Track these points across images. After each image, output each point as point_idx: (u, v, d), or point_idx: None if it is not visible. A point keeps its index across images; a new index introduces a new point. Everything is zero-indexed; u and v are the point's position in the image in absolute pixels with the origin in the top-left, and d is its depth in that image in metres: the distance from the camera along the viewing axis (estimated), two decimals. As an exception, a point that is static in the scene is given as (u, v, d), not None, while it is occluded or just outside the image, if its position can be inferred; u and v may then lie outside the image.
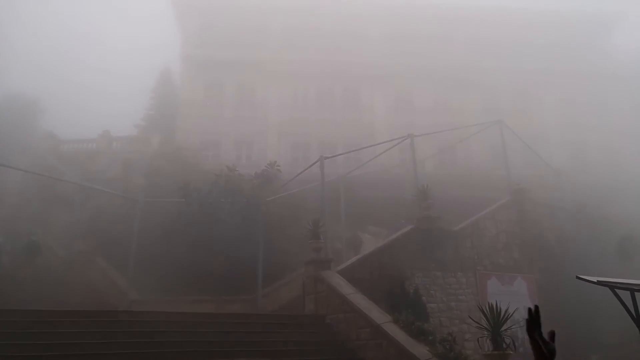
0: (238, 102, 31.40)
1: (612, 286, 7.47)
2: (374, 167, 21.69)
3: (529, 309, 2.37)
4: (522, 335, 14.99)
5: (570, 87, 33.01)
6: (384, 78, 31.86)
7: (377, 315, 11.01)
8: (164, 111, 31.82)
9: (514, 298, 15.10)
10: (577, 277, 7.64)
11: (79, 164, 24.20)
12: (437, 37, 33.20)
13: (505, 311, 9.33)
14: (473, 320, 9.94)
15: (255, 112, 31.04)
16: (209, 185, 19.46)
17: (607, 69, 33.04)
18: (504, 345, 9.11)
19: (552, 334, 2.33)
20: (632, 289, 7.36)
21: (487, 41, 33.11)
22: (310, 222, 13.73)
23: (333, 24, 32.53)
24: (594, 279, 7.55)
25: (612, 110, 32.24)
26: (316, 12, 32.47)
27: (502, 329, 9.21)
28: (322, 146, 28.70)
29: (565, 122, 32.18)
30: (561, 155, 29.34)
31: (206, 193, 19.20)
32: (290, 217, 18.99)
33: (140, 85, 37.19)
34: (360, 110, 31.77)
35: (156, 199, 19.85)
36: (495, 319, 9.27)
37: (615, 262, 16.15)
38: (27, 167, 20.55)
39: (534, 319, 2.32)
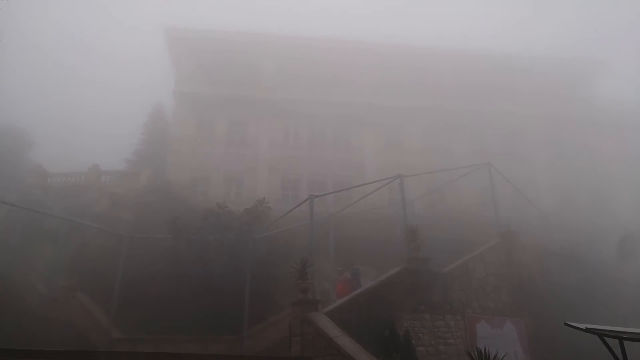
0: (229, 139, 31.44)
1: (601, 334, 7.38)
2: (363, 207, 21.66)
3: None
4: (512, 381, 14.75)
5: (558, 131, 33.60)
6: (374, 119, 32.13)
7: (365, 359, 10.76)
8: (154, 147, 31.73)
9: (504, 342, 14.91)
10: (566, 324, 7.55)
11: (66, 197, 23.93)
12: (427, 80, 33.90)
13: (495, 356, 9.16)
14: (462, 365, 9.76)
15: (246, 149, 31.08)
16: (197, 221, 19.28)
17: (592, 116, 33.62)
18: (493, 392, 8.91)
19: None
20: (620, 337, 7.27)
21: (476, 86, 33.80)
22: (298, 261, 13.55)
23: (325, 66, 33.12)
24: (583, 326, 7.45)
25: (599, 154, 32.68)
26: (308, 53, 33.04)
27: (491, 375, 9.01)
28: (312, 184, 28.75)
29: (553, 165, 32.54)
30: (549, 197, 29.55)
31: (195, 229, 19.02)
32: (279, 255, 18.79)
33: (132, 121, 37.25)
34: (350, 150, 31.94)
35: (143, 234, 19.63)
36: (484, 365, 9.07)
37: (605, 308, 16.04)
38: (14, 201, 20.32)
39: None
